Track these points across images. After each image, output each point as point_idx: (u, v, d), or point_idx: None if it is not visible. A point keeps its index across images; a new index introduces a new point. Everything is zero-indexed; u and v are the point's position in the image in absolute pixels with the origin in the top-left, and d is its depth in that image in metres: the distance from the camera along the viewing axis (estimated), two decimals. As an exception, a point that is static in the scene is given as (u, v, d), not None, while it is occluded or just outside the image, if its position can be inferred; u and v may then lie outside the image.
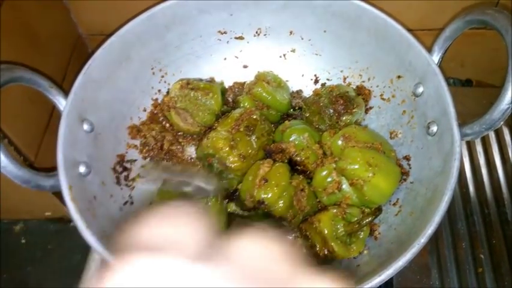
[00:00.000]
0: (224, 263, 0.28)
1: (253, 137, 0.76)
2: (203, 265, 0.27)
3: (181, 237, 0.29)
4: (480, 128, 0.65)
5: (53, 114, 0.85)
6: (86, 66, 0.72)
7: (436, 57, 0.73)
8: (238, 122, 0.76)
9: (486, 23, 0.65)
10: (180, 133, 0.85)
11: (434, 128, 0.70)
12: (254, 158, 0.76)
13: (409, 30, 0.74)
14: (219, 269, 0.27)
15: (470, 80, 1.05)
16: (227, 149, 0.74)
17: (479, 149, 0.94)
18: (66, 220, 0.95)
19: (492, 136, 0.95)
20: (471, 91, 1.04)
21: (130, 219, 0.31)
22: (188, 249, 0.28)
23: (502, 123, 0.63)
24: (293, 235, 0.76)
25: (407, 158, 0.76)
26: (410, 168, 0.75)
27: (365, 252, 0.71)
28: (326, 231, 0.69)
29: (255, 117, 0.77)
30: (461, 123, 0.66)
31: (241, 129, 0.75)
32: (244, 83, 0.89)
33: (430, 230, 0.59)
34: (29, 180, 0.63)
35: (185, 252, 0.28)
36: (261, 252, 0.29)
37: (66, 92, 0.71)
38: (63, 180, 0.63)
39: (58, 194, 0.86)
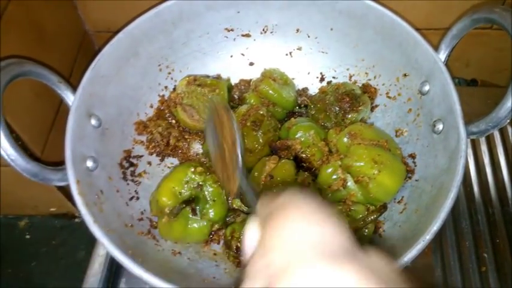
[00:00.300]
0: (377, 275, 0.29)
1: (260, 132, 0.77)
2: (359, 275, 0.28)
3: (336, 234, 0.30)
4: (486, 126, 0.65)
5: (59, 110, 0.85)
6: (94, 62, 0.72)
7: (442, 55, 0.73)
8: (245, 117, 0.76)
9: (493, 21, 0.65)
10: (186, 129, 0.85)
11: (440, 126, 0.70)
12: (260, 153, 0.77)
13: (416, 29, 0.75)
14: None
15: (475, 79, 1.06)
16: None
17: (483, 148, 0.95)
18: (71, 216, 0.96)
19: (497, 136, 0.96)
20: (476, 91, 1.05)
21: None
22: (345, 248, 0.29)
23: (508, 121, 0.64)
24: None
25: (412, 156, 0.76)
26: (415, 166, 0.75)
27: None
28: (331, 228, 0.69)
29: (261, 112, 0.78)
30: (467, 122, 0.66)
31: (248, 124, 0.76)
32: (251, 80, 0.89)
33: (435, 227, 0.59)
34: (37, 173, 0.63)
35: (345, 252, 0.29)
36: (391, 268, 0.31)
37: (74, 88, 0.72)
38: (71, 175, 0.64)
39: (63, 190, 0.87)
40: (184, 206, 0.69)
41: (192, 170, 0.72)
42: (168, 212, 0.69)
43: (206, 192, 0.72)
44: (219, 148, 0.62)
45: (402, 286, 0.30)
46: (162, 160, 0.83)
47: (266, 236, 0.32)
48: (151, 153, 0.82)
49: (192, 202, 0.71)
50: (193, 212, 0.71)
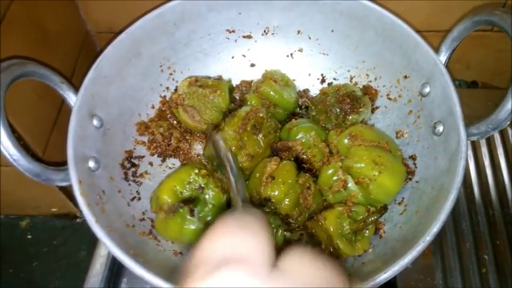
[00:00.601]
0: (290, 281, 0.31)
1: (260, 135, 0.77)
2: (272, 282, 0.30)
3: (250, 250, 0.32)
4: (486, 127, 0.65)
5: (61, 111, 0.86)
6: (96, 62, 0.73)
7: (443, 57, 0.74)
8: (245, 122, 0.76)
9: (494, 23, 0.65)
10: (187, 130, 0.85)
11: (440, 128, 0.71)
12: (262, 157, 0.77)
13: (416, 31, 0.75)
14: (284, 280, 0.30)
15: (475, 81, 1.06)
16: (235, 149, 0.75)
17: (484, 150, 0.95)
18: (72, 216, 0.96)
19: (497, 138, 0.96)
20: (476, 93, 1.05)
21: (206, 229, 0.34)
22: (256, 263, 0.31)
23: (508, 123, 0.64)
24: (299, 233, 0.77)
25: (413, 158, 0.77)
26: (416, 167, 0.76)
27: (370, 250, 0.71)
28: (332, 229, 0.70)
29: (261, 115, 0.78)
30: (468, 124, 0.66)
31: (249, 129, 0.76)
32: (252, 81, 0.89)
33: (435, 228, 0.59)
34: (39, 173, 0.63)
35: (254, 267, 0.31)
36: (319, 272, 0.32)
37: (75, 88, 0.72)
38: (73, 175, 0.64)
39: (65, 190, 0.88)
40: (182, 205, 0.69)
41: (196, 171, 0.72)
42: (165, 208, 0.69)
43: (207, 196, 0.72)
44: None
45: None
46: (163, 161, 0.83)
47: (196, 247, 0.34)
48: (152, 154, 0.82)
49: (191, 202, 0.71)
50: (191, 212, 0.71)
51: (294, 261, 0.32)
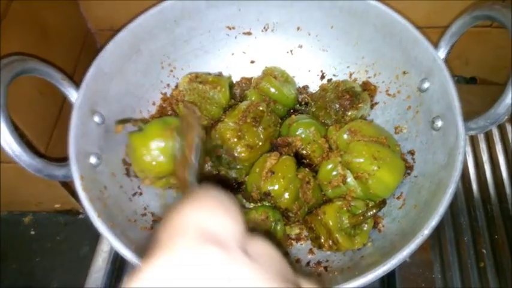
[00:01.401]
0: (254, 259, 0.32)
1: (260, 128, 0.78)
2: (241, 258, 0.31)
3: (226, 228, 0.33)
4: (485, 122, 0.65)
5: (63, 108, 0.86)
6: (97, 58, 0.73)
7: (442, 53, 0.74)
8: (245, 114, 0.77)
9: (493, 18, 0.65)
10: (188, 126, 0.86)
11: (439, 123, 0.71)
12: (261, 149, 0.78)
13: (416, 27, 0.75)
14: (252, 265, 0.31)
15: (474, 77, 1.06)
16: (235, 139, 0.75)
17: (482, 145, 0.95)
18: (75, 212, 0.96)
19: (496, 133, 0.96)
20: (475, 89, 1.05)
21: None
22: (231, 243, 0.32)
23: (506, 118, 0.64)
24: (298, 227, 0.78)
25: (411, 153, 0.77)
26: (414, 162, 0.76)
27: (369, 244, 0.72)
28: (331, 223, 0.70)
29: (261, 108, 0.79)
30: (466, 119, 0.67)
31: (248, 121, 0.77)
32: (252, 78, 0.90)
33: (434, 222, 0.60)
34: (42, 169, 0.64)
35: (228, 247, 0.32)
36: (275, 254, 0.35)
37: (77, 85, 0.72)
38: (75, 171, 0.65)
39: (67, 186, 0.88)
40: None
41: None
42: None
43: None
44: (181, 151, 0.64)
45: (275, 269, 0.33)
46: (164, 157, 0.84)
47: (170, 217, 0.34)
48: (153, 150, 0.83)
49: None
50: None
51: (259, 248, 0.34)
